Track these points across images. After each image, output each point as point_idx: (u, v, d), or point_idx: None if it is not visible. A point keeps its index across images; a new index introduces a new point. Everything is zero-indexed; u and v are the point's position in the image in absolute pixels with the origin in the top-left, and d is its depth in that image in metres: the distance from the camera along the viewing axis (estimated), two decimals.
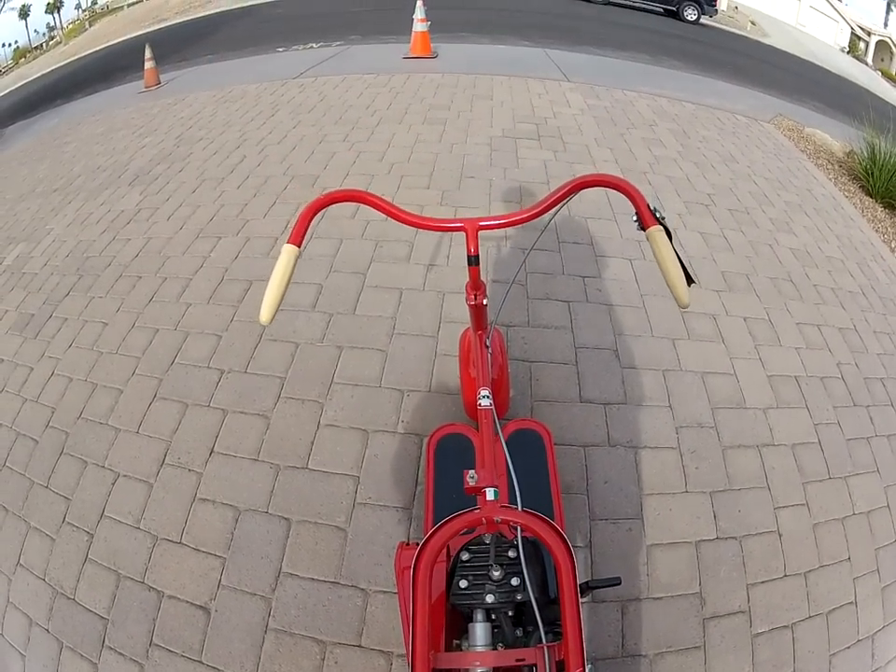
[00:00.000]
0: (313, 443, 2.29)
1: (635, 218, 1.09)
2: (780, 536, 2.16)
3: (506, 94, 5.56)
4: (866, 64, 20.89)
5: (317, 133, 4.92)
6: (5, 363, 2.99)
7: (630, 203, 1.11)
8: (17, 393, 2.78)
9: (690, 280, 1.08)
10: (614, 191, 1.19)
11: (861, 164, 5.55)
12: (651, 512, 2.16)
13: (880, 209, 5.15)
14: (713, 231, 3.72)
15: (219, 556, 2.00)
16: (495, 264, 3.19)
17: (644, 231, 1.06)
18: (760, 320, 3.06)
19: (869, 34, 26.81)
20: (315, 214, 1.17)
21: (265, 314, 1.07)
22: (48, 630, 1.95)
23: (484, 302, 1.44)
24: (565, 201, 1.23)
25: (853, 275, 3.77)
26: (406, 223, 1.25)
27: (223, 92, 6.41)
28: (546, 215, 1.25)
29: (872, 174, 5.35)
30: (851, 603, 2.07)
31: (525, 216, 1.21)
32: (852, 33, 26.39)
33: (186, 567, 2.00)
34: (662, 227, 1.06)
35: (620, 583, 1.22)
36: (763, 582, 2.03)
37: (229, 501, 2.14)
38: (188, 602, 1.92)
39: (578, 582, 1.00)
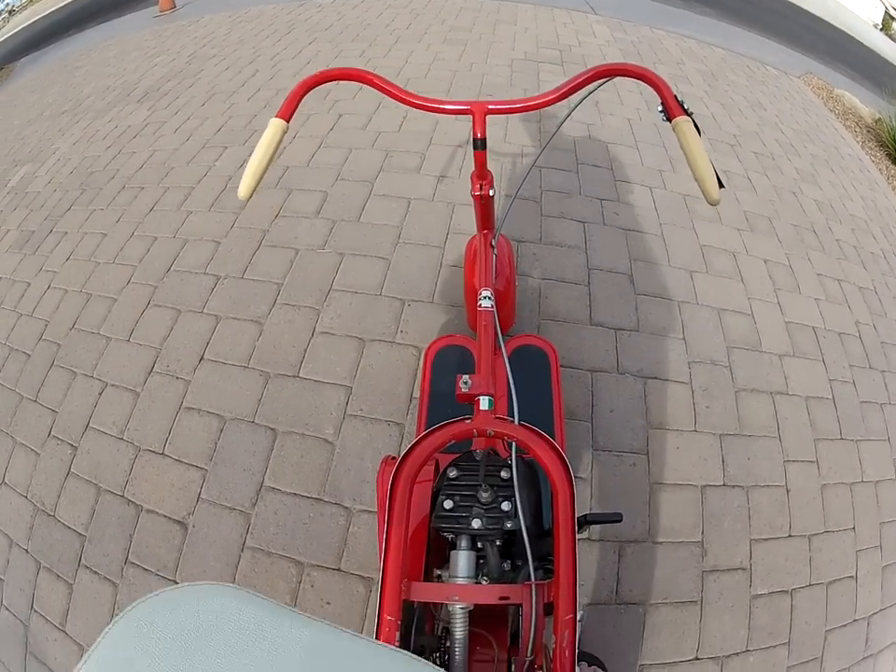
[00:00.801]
0: (306, 351, 2.18)
1: (661, 109, 0.99)
2: (788, 492, 2.03)
3: (530, 21, 5.22)
4: None
5: (333, 50, 4.68)
6: (3, 280, 2.91)
7: (656, 94, 0.99)
8: (13, 309, 2.70)
9: (719, 183, 0.95)
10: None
11: (889, 132, 5.28)
12: (657, 449, 2.01)
13: None
14: (737, 171, 3.49)
15: (201, 468, 1.93)
16: (509, 179, 2.98)
17: (670, 122, 0.95)
18: (780, 265, 2.85)
19: None
20: (308, 90, 1.08)
21: (244, 189, 0.98)
22: (27, 550, 1.91)
23: (491, 193, 1.29)
24: (581, 91, 1.13)
25: (875, 238, 3.56)
26: (408, 104, 1.13)
27: (239, 13, 6.10)
28: (562, 113, 1.03)
29: None
30: (852, 578, 1.96)
31: (537, 102, 1.10)
32: (886, 12, 25.77)
33: (166, 480, 1.93)
34: (689, 118, 0.95)
35: (621, 520, 1.10)
36: (766, 539, 1.91)
37: (215, 410, 2.05)
38: (165, 517, 1.85)
39: (576, 514, 0.90)
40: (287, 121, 1.03)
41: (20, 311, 2.66)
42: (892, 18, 25.95)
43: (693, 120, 0.95)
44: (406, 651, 0.47)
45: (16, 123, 4.98)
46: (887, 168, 4.89)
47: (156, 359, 2.23)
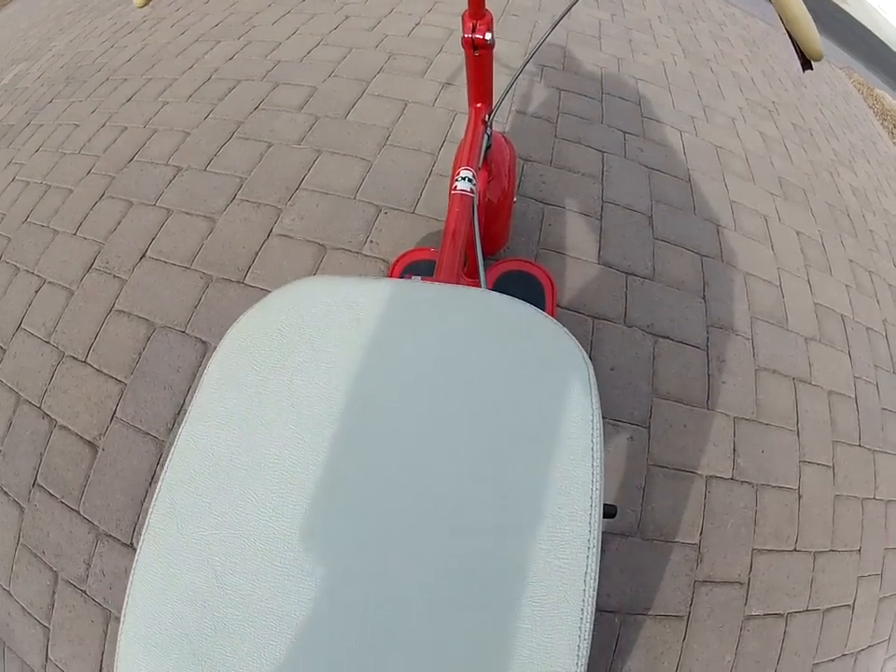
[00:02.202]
0: (256, 255, 1.91)
1: None
2: (800, 498, 1.74)
3: None
4: None
5: None
6: None
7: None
8: None
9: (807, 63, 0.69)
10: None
11: None
12: (662, 423, 1.67)
13: None
14: (774, 137, 3.12)
15: (120, 381, 1.72)
16: (524, 97, 2.60)
17: None
18: (813, 240, 2.51)
19: None
20: None
21: None
22: None
23: (487, 38, 1.00)
24: None
25: None
26: None
27: None
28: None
29: None
30: (849, 607, 1.72)
31: None
32: None
33: (83, 392, 1.73)
34: None
35: (615, 515, 1.03)
36: (770, 551, 1.64)
37: (145, 315, 1.83)
38: (77, 435, 1.67)
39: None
40: None
41: None
42: None
43: None
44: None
45: (22, 27, 4.72)
46: None
47: (97, 255, 1.99)
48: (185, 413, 1.51)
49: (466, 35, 1.00)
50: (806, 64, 0.72)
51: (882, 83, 6.82)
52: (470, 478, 0.44)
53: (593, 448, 0.46)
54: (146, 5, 0.78)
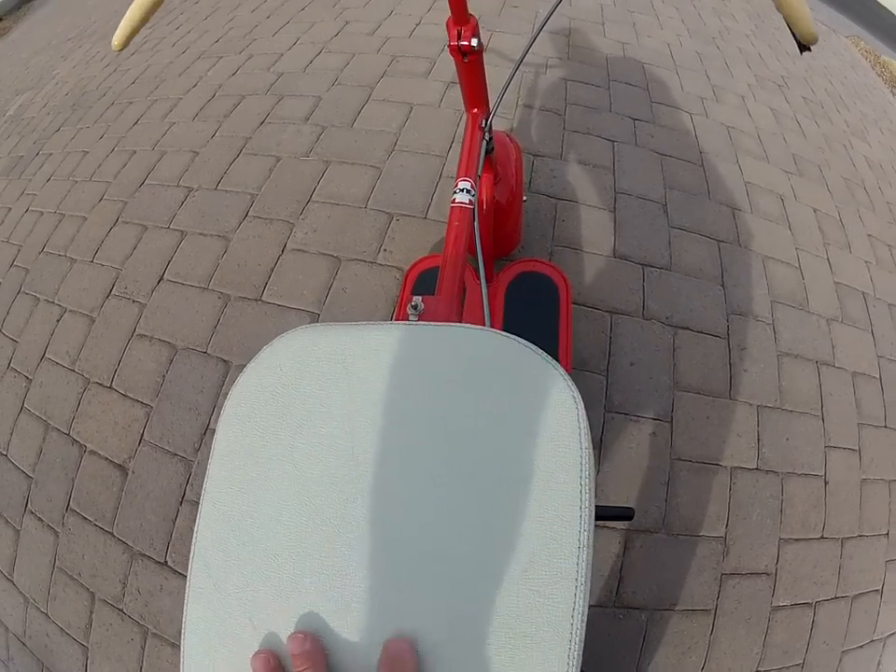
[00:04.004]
0: (272, 271, 1.92)
1: None
2: (826, 484, 1.72)
3: None
4: None
5: None
6: None
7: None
8: None
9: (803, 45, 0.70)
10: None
11: None
12: (684, 416, 1.66)
13: None
14: (785, 112, 3.06)
15: (146, 405, 1.75)
16: (529, 91, 2.57)
17: None
18: (830, 217, 2.46)
19: None
20: None
21: (117, 37, 0.78)
22: None
23: (473, 44, 0.98)
24: None
25: None
26: None
27: None
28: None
29: None
30: (877, 592, 1.70)
31: None
32: None
33: (110, 417, 1.76)
34: None
35: (633, 517, 1.01)
36: (797, 540, 1.62)
37: (167, 338, 1.85)
38: (107, 459, 1.70)
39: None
40: None
41: None
42: None
43: None
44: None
45: (23, 56, 4.75)
46: None
47: (115, 281, 2.02)
48: (207, 434, 1.51)
49: (452, 43, 0.98)
50: (804, 46, 0.71)
51: (890, 49, 6.71)
52: (460, 526, 0.46)
53: (581, 489, 0.47)
54: (123, 48, 0.79)
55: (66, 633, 1.54)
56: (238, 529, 0.51)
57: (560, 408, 0.50)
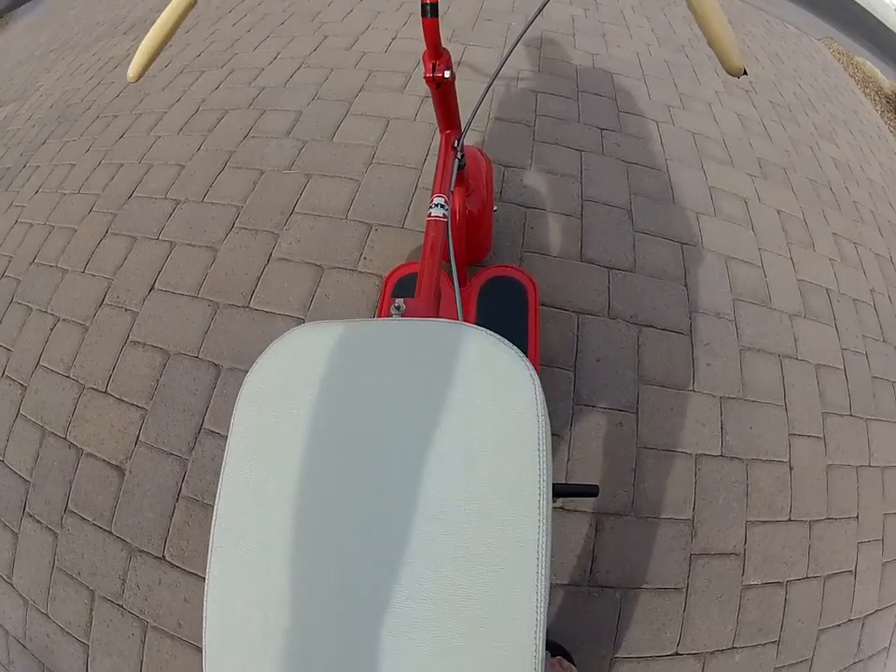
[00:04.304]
0: (259, 279, 2.03)
1: None
2: (791, 469, 1.83)
3: None
4: None
5: None
6: None
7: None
8: None
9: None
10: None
11: None
12: (649, 407, 1.78)
13: None
14: (752, 117, 3.20)
15: (140, 408, 1.84)
16: (501, 103, 2.71)
17: None
18: (794, 218, 2.59)
19: None
20: None
21: (133, 68, 0.89)
22: None
23: (447, 76, 1.11)
24: None
25: (893, 206, 3.32)
26: None
27: None
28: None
29: None
30: (850, 573, 1.81)
31: None
32: None
33: (106, 421, 1.84)
34: None
35: (597, 494, 1.07)
36: (764, 522, 1.73)
37: (159, 344, 1.95)
38: (104, 461, 1.78)
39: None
40: None
41: None
42: None
43: None
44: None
45: (6, 67, 4.83)
46: None
47: (107, 290, 2.11)
48: (201, 434, 1.63)
49: (427, 75, 1.09)
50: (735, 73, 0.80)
51: (863, 51, 6.85)
52: (443, 481, 0.58)
53: (539, 450, 0.58)
54: (138, 79, 0.89)
55: (67, 632, 1.60)
56: (256, 493, 0.61)
57: (519, 384, 0.61)
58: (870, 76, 5.52)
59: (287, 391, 0.66)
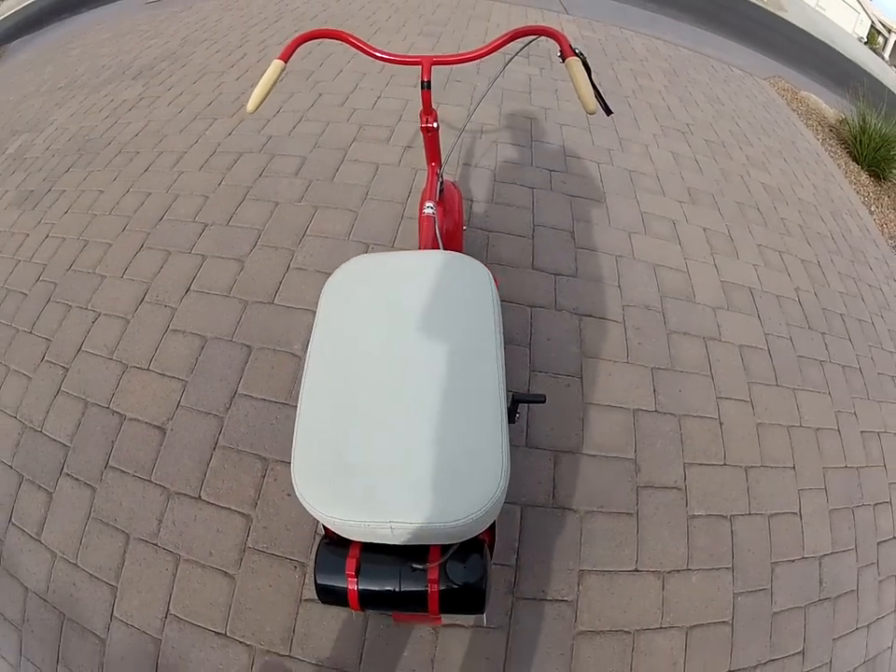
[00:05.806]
0: (280, 283, 2.43)
1: (559, 54, 1.28)
2: (721, 424, 2.20)
3: (503, 18, 5.52)
4: (882, 59, 20.69)
5: None
6: (2, 233, 3.06)
7: (556, 46, 1.30)
8: (11, 256, 2.86)
9: (608, 110, 1.48)
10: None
11: (851, 131, 5.56)
12: (591, 374, 2.21)
13: (864, 175, 5.19)
14: (685, 154, 3.75)
15: (182, 380, 2.12)
16: (468, 151, 3.27)
17: (563, 61, 1.25)
18: (720, 233, 3.10)
19: (889, 31, 26.41)
20: (303, 42, 1.41)
21: (251, 105, 1.30)
22: (10, 466, 2.05)
23: (435, 125, 1.60)
24: (507, 48, 1.52)
25: (824, 221, 3.81)
26: (375, 58, 1.48)
27: (229, 2, 6.30)
28: (496, 69, 1.45)
29: (861, 142, 5.37)
30: (795, 514, 2.10)
31: (472, 55, 1.43)
32: (872, 26, 26.20)
33: (149, 391, 2.11)
34: (579, 59, 1.25)
35: (545, 401, 1.30)
36: (700, 465, 2.07)
37: (197, 331, 2.26)
38: (147, 423, 2.03)
39: None
40: (285, 62, 1.34)
41: (18, 258, 2.83)
42: (878, 32, 26.57)
43: (584, 61, 1.26)
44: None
45: (11, 99, 5.10)
46: (846, 164, 5.19)
47: (146, 292, 2.44)
48: (236, 397, 2.15)
49: (423, 125, 1.59)
50: (607, 111, 1.43)
51: (812, 83, 7.42)
52: (442, 351, 0.99)
53: (494, 319, 1.05)
54: (255, 111, 1.31)
55: (95, 577, 1.76)
56: (336, 365, 0.99)
57: (482, 280, 1.10)
58: (814, 108, 6.09)
59: (352, 293, 1.09)
